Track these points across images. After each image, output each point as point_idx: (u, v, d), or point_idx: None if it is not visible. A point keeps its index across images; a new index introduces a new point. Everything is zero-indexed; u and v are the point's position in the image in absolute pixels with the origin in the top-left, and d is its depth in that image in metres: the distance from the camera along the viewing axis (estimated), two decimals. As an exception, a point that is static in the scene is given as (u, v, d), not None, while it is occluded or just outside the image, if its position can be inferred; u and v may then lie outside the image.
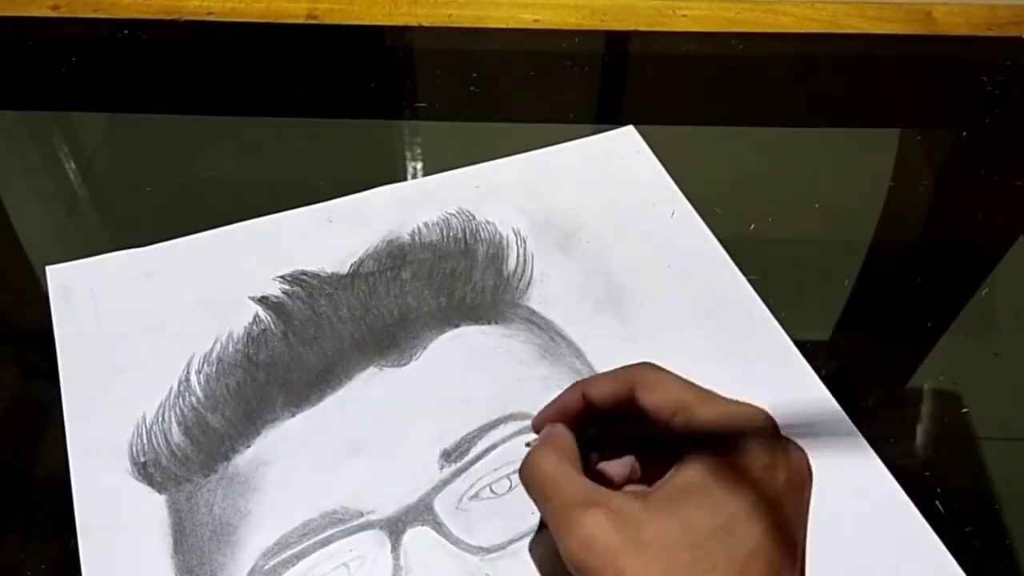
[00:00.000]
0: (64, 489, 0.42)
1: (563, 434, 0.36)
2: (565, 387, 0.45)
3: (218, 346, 0.47)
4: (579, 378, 0.46)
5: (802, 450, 0.32)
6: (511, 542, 0.40)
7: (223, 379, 0.46)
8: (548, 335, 0.48)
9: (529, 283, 0.51)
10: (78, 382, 0.46)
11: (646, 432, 0.35)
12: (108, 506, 0.41)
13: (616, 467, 0.37)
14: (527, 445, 0.41)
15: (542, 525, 0.40)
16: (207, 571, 0.40)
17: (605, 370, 0.38)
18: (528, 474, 0.34)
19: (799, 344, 0.48)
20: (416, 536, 0.40)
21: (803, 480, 0.32)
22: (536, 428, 0.39)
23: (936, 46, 0.72)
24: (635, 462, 0.37)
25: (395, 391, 0.46)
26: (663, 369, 0.36)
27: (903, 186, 0.61)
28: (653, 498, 0.31)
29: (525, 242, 0.53)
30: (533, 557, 0.40)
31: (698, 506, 0.30)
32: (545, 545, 0.39)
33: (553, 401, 0.39)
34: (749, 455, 0.31)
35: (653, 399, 0.34)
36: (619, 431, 0.37)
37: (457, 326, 0.49)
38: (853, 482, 0.43)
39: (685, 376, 0.36)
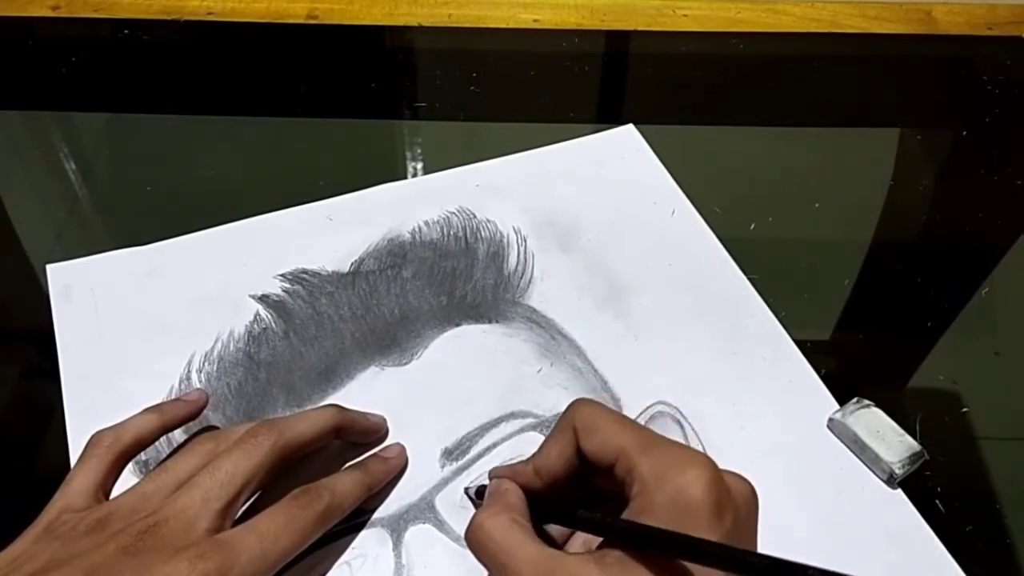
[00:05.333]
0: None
1: (511, 490, 0.35)
2: (566, 386, 0.46)
3: (219, 345, 0.47)
4: (580, 377, 0.46)
5: (744, 480, 0.32)
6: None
7: (224, 378, 0.46)
8: (549, 334, 0.48)
9: (530, 282, 0.51)
10: (79, 381, 0.46)
11: (592, 514, 0.33)
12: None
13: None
14: (464, 491, 0.41)
15: None
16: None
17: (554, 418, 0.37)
18: (476, 539, 0.33)
19: (799, 343, 0.48)
20: (418, 534, 0.40)
21: (750, 511, 0.32)
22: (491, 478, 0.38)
23: (936, 46, 0.72)
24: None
25: (396, 390, 0.46)
26: (601, 407, 0.35)
27: (903, 186, 0.61)
28: (608, 561, 0.30)
29: (526, 241, 0.53)
30: None
31: (649, 569, 0.29)
32: None
33: (506, 468, 0.37)
34: (695, 506, 0.30)
35: (592, 444, 0.33)
36: (565, 508, 0.35)
37: (458, 325, 0.49)
38: (854, 481, 0.43)
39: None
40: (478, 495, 0.40)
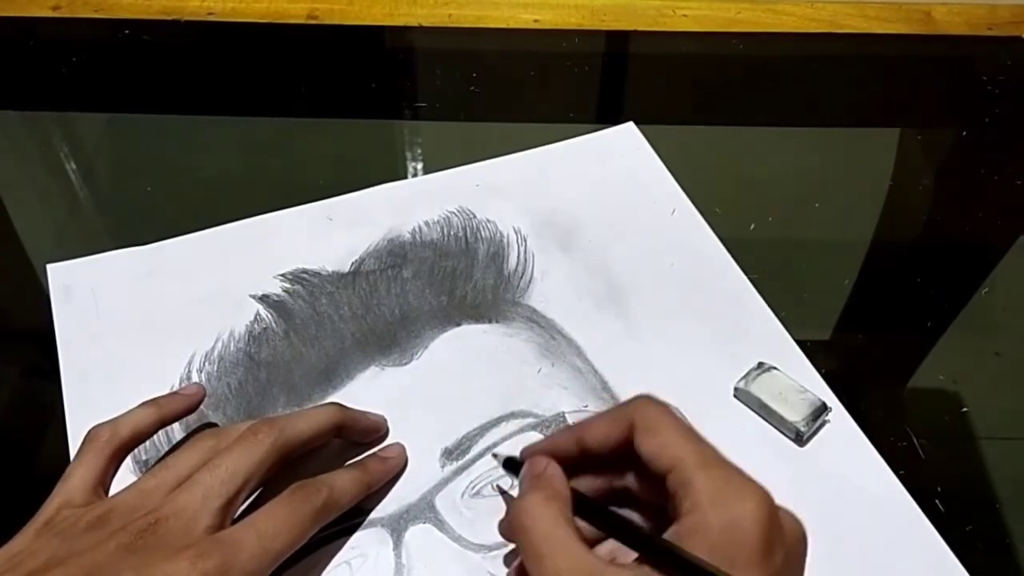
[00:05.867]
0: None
1: (558, 477, 0.34)
2: (566, 386, 0.46)
3: (219, 344, 0.47)
4: (580, 377, 0.46)
5: (796, 519, 0.32)
6: (513, 540, 0.40)
7: (224, 378, 0.46)
8: (549, 334, 0.48)
9: (530, 282, 0.51)
10: (79, 380, 0.46)
11: (640, 530, 0.33)
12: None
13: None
14: (494, 456, 0.40)
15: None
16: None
17: (601, 411, 0.36)
18: (520, 524, 0.32)
19: (799, 343, 0.48)
20: (418, 534, 0.40)
21: (800, 551, 0.31)
22: (524, 456, 0.37)
23: (936, 46, 0.72)
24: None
25: (396, 390, 0.46)
26: (665, 408, 0.34)
27: (903, 186, 0.61)
28: None
29: (526, 241, 0.53)
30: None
31: None
32: None
33: (545, 440, 0.37)
34: (749, 540, 0.29)
35: (650, 447, 0.32)
36: (613, 518, 0.34)
37: (458, 325, 0.49)
38: (855, 482, 0.43)
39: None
40: (507, 466, 0.38)
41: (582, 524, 0.34)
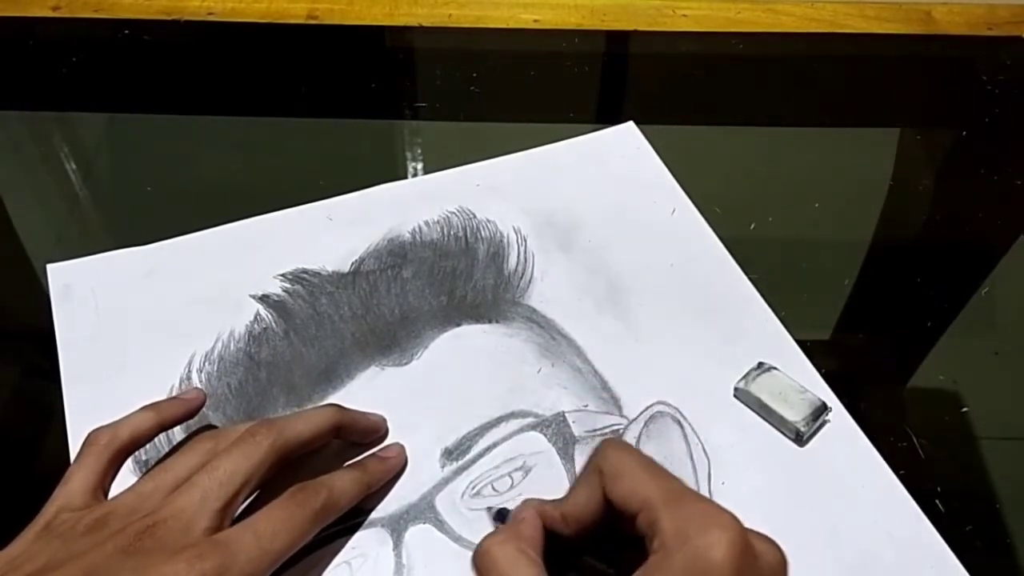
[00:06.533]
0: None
1: (528, 521, 0.34)
2: (566, 386, 0.46)
3: (219, 344, 0.47)
4: (580, 377, 0.46)
5: (774, 546, 0.31)
6: (512, 540, 0.40)
7: (224, 378, 0.46)
8: (549, 334, 0.48)
9: (530, 282, 0.51)
10: (79, 381, 0.46)
11: (599, 565, 0.33)
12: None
13: None
14: (487, 509, 0.41)
15: None
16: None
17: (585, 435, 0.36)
18: (481, 565, 0.32)
19: (799, 343, 0.48)
20: (418, 534, 0.40)
21: None
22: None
23: (936, 46, 0.72)
24: None
25: (396, 390, 0.46)
26: (630, 451, 0.33)
27: (903, 186, 0.61)
28: None
29: (526, 241, 0.53)
30: None
31: None
32: None
33: (537, 503, 0.36)
34: (715, 570, 0.28)
35: (619, 491, 0.32)
36: (573, 554, 0.34)
37: (458, 325, 0.49)
38: (855, 481, 0.43)
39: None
40: (497, 517, 0.40)
41: None
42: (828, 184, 0.61)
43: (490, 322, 0.49)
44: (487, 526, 0.41)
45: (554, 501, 0.35)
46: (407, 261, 0.52)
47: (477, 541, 0.39)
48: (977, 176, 0.62)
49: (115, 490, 0.38)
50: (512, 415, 0.45)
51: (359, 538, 0.40)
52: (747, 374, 0.46)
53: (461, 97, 0.66)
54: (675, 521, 0.30)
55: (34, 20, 0.71)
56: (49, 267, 0.52)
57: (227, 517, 0.36)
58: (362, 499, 0.40)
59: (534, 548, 0.33)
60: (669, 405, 0.45)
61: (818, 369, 0.47)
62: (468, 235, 0.53)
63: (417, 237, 0.53)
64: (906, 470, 0.43)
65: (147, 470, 0.41)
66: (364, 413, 0.43)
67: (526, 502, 0.36)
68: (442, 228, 0.54)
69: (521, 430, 0.44)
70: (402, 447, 0.43)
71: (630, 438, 0.44)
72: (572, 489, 0.34)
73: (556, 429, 0.44)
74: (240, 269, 0.51)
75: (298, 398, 0.45)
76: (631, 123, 0.61)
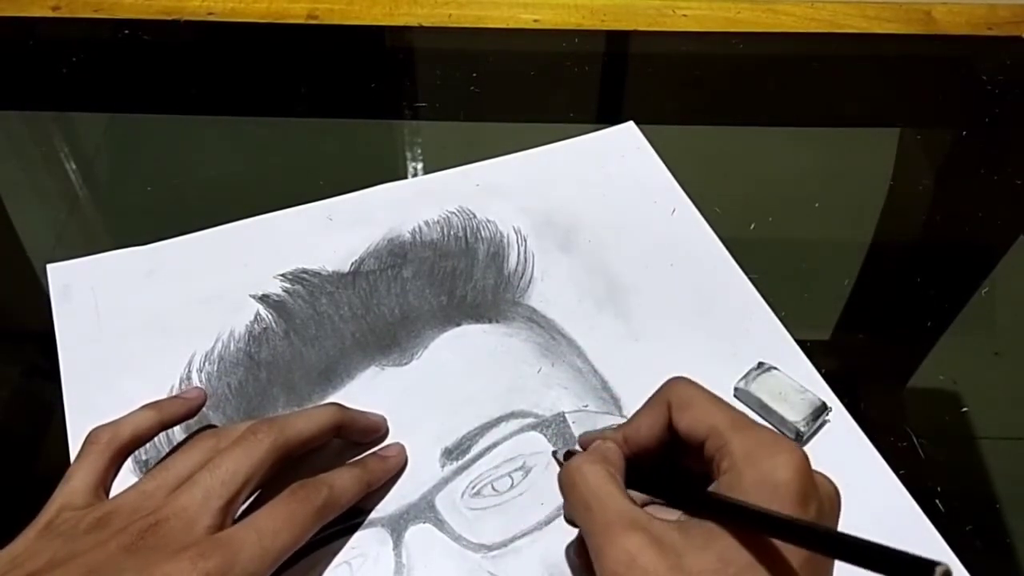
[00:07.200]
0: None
1: (613, 450, 0.36)
2: (566, 386, 0.46)
3: (219, 344, 0.47)
4: (580, 377, 0.46)
5: (831, 481, 0.33)
6: (513, 539, 0.40)
7: (224, 378, 0.46)
8: (549, 334, 0.48)
9: (530, 282, 0.51)
10: (79, 380, 0.46)
11: (685, 489, 0.34)
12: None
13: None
14: (553, 453, 0.42)
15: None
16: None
17: (637, 406, 0.37)
18: (571, 482, 0.34)
19: (799, 343, 0.48)
20: (418, 534, 0.40)
21: (833, 509, 0.32)
22: (583, 445, 0.39)
23: (936, 46, 0.72)
24: None
25: (396, 390, 0.46)
26: (696, 385, 0.35)
27: (903, 186, 0.61)
28: (691, 529, 0.31)
29: (526, 241, 0.53)
30: (569, 561, 0.39)
31: (734, 539, 0.30)
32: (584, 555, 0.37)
33: (595, 432, 0.39)
34: (782, 490, 0.30)
35: (686, 420, 0.34)
36: (652, 476, 0.36)
37: (458, 325, 0.49)
38: (855, 481, 0.43)
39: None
40: (566, 458, 0.39)
41: (635, 495, 0.35)
42: (828, 184, 0.61)
43: (490, 322, 0.49)
44: (487, 526, 0.41)
45: (614, 428, 0.37)
46: (407, 261, 0.52)
47: (477, 541, 0.40)
48: (977, 176, 0.62)
49: (115, 490, 0.38)
50: (512, 415, 0.45)
51: (359, 538, 0.40)
52: (747, 374, 0.46)
53: (461, 97, 0.66)
54: (744, 445, 0.32)
55: (34, 20, 0.71)
56: (49, 267, 0.52)
57: (229, 515, 0.36)
58: (362, 499, 0.40)
59: (619, 471, 0.34)
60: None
61: (818, 369, 0.47)
62: (468, 235, 0.53)
63: (417, 237, 0.53)
64: (906, 470, 0.43)
65: (148, 469, 0.41)
66: (364, 412, 0.43)
67: (606, 436, 0.37)
68: (442, 228, 0.54)
69: (521, 430, 0.44)
70: (402, 446, 0.43)
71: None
72: (635, 416, 0.36)
73: (556, 429, 0.44)
74: (240, 269, 0.51)
75: (298, 398, 0.45)
76: (631, 123, 0.61)
